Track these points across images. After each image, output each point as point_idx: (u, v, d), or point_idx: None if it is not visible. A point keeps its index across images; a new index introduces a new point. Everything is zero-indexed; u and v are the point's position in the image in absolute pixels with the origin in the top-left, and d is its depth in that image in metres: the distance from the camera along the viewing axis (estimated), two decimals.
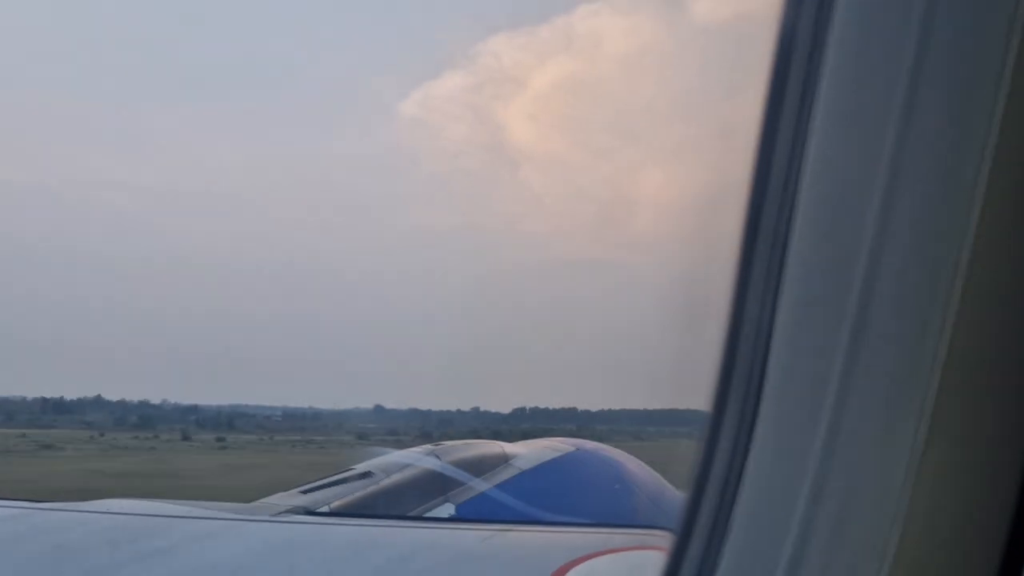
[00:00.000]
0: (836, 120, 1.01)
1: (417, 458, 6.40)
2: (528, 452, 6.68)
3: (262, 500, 6.07)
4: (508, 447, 6.69)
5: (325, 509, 5.72)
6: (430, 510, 5.97)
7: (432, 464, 6.30)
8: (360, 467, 6.44)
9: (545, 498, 6.25)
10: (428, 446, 6.56)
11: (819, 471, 1.03)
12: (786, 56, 1.06)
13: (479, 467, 6.40)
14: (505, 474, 6.38)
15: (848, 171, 1.00)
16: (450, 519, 5.91)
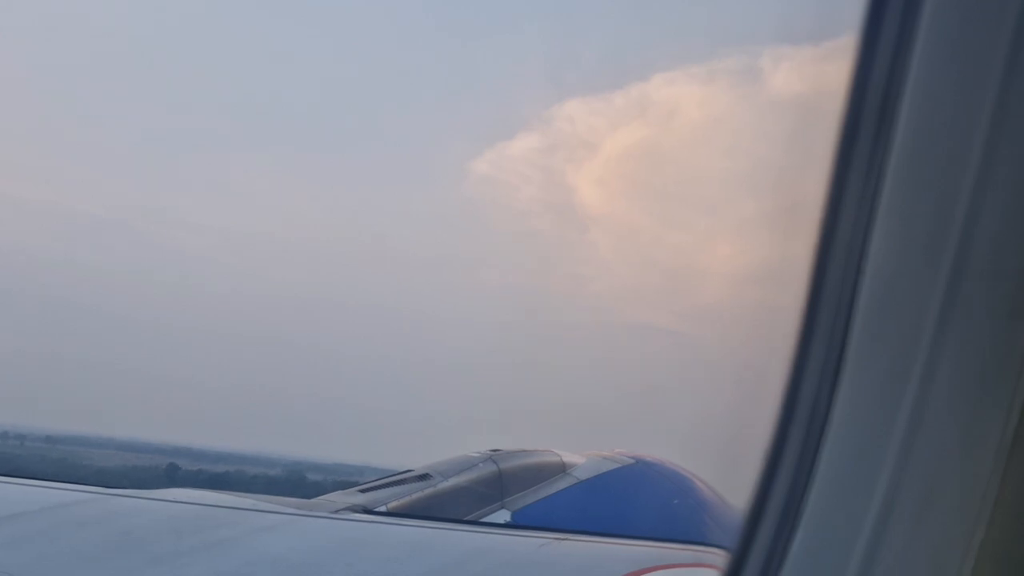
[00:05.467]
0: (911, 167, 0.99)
1: (475, 463, 6.41)
2: (587, 463, 6.62)
3: (322, 497, 6.16)
4: (567, 456, 6.65)
5: (383, 509, 5.78)
6: (486, 515, 5.97)
7: (490, 470, 6.31)
8: (419, 469, 6.49)
9: (601, 509, 6.19)
10: (487, 451, 6.56)
11: (896, 468, 0.98)
12: (856, 118, 1.04)
13: (537, 475, 6.38)
14: (562, 483, 6.34)
15: (920, 224, 0.98)
16: (505, 525, 5.90)
